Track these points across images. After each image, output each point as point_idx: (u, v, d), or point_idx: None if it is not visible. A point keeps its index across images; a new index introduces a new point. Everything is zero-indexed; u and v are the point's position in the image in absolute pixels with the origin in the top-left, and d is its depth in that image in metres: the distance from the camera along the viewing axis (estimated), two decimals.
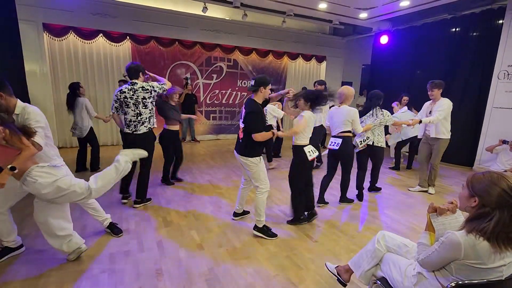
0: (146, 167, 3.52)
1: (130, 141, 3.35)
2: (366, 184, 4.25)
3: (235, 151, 2.96)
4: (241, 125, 2.88)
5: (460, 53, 6.16)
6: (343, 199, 3.96)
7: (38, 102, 5.71)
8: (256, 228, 2.96)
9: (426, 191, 4.48)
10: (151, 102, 3.39)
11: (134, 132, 3.34)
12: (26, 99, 4.61)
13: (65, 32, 6.03)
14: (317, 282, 2.28)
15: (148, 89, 3.30)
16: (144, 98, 3.30)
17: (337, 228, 3.20)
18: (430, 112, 4.22)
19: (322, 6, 6.15)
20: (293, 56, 8.78)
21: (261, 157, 2.91)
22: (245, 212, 3.43)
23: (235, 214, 3.37)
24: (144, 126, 3.36)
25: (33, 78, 5.71)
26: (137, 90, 3.26)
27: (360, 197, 4.10)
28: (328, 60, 9.38)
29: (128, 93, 3.25)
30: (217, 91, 8.10)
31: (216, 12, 7.23)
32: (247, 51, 8.11)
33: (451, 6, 5.84)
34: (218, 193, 4.11)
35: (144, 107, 3.32)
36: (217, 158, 4.72)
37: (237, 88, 8.27)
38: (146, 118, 3.36)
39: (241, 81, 8.32)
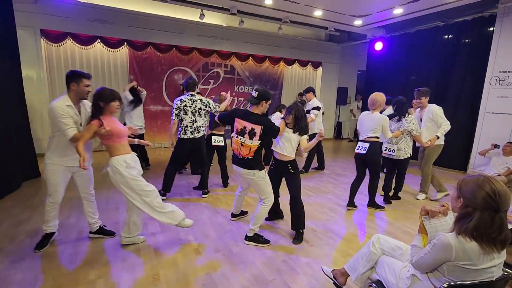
0: (204, 165, 4.12)
1: (189, 145, 3.85)
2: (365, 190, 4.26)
3: (238, 167, 2.79)
4: (248, 142, 2.67)
5: (453, 59, 6.28)
6: (372, 203, 3.93)
7: (34, 107, 5.71)
8: (247, 238, 2.90)
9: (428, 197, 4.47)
10: (204, 114, 3.92)
11: (194, 137, 3.84)
12: (23, 104, 4.61)
13: (62, 38, 6.05)
14: (314, 286, 2.30)
15: (205, 103, 3.88)
16: (200, 108, 3.84)
17: (333, 232, 3.22)
18: (421, 119, 4.28)
19: (318, 13, 6.26)
20: (290, 62, 8.88)
21: (265, 170, 2.83)
22: (243, 212, 3.48)
23: (233, 215, 3.43)
24: (199, 132, 3.87)
25: (30, 83, 5.70)
26: (195, 100, 3.81)
27: (386, 199, 4.12)
28: (324, 66, 9.49)
29: (188, 102, 3.77)
30: (214, 97, 8.12)
31: (213, 18, 7.32)
32: (244, 57, 8.18)
33: (443, 13, 5.97)
34: (215, 198, 4.13)
35: (199, 116, 3.85)
36: (214, 164, 4.77)
37: (234, 94, 8.32)
38: (200, 125, 3.87)
39: (238, 86, 8.37)
